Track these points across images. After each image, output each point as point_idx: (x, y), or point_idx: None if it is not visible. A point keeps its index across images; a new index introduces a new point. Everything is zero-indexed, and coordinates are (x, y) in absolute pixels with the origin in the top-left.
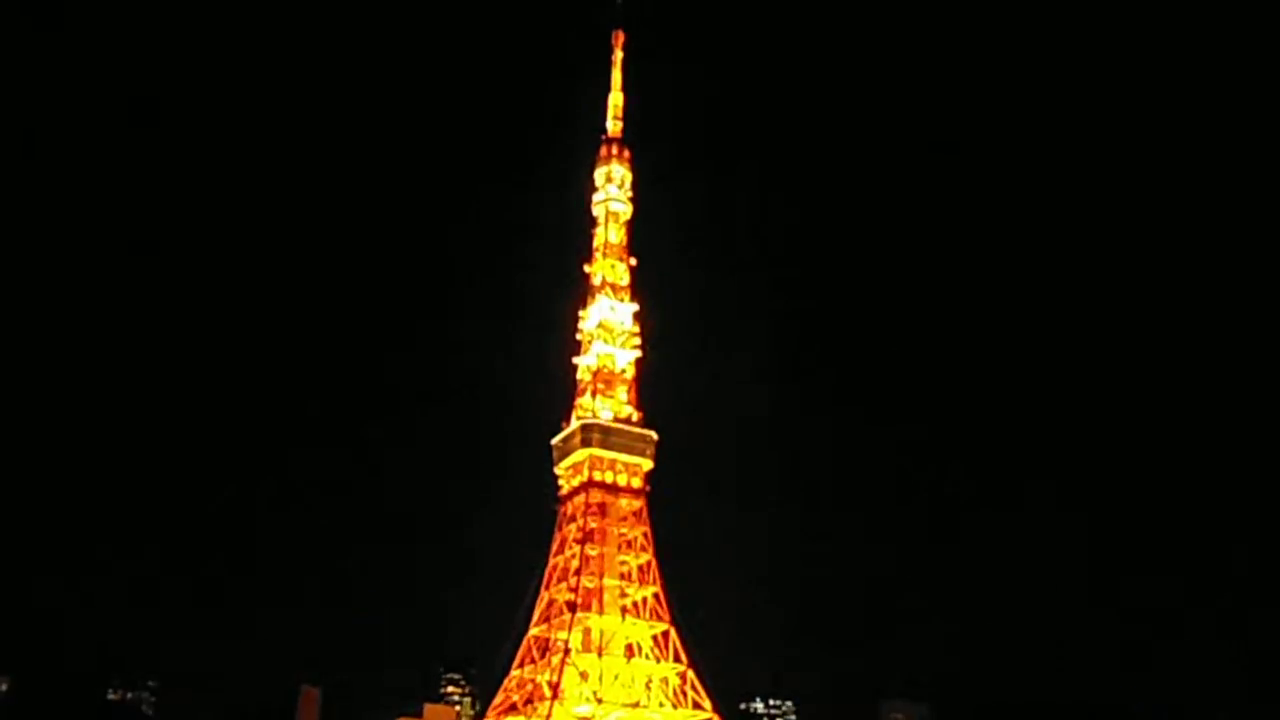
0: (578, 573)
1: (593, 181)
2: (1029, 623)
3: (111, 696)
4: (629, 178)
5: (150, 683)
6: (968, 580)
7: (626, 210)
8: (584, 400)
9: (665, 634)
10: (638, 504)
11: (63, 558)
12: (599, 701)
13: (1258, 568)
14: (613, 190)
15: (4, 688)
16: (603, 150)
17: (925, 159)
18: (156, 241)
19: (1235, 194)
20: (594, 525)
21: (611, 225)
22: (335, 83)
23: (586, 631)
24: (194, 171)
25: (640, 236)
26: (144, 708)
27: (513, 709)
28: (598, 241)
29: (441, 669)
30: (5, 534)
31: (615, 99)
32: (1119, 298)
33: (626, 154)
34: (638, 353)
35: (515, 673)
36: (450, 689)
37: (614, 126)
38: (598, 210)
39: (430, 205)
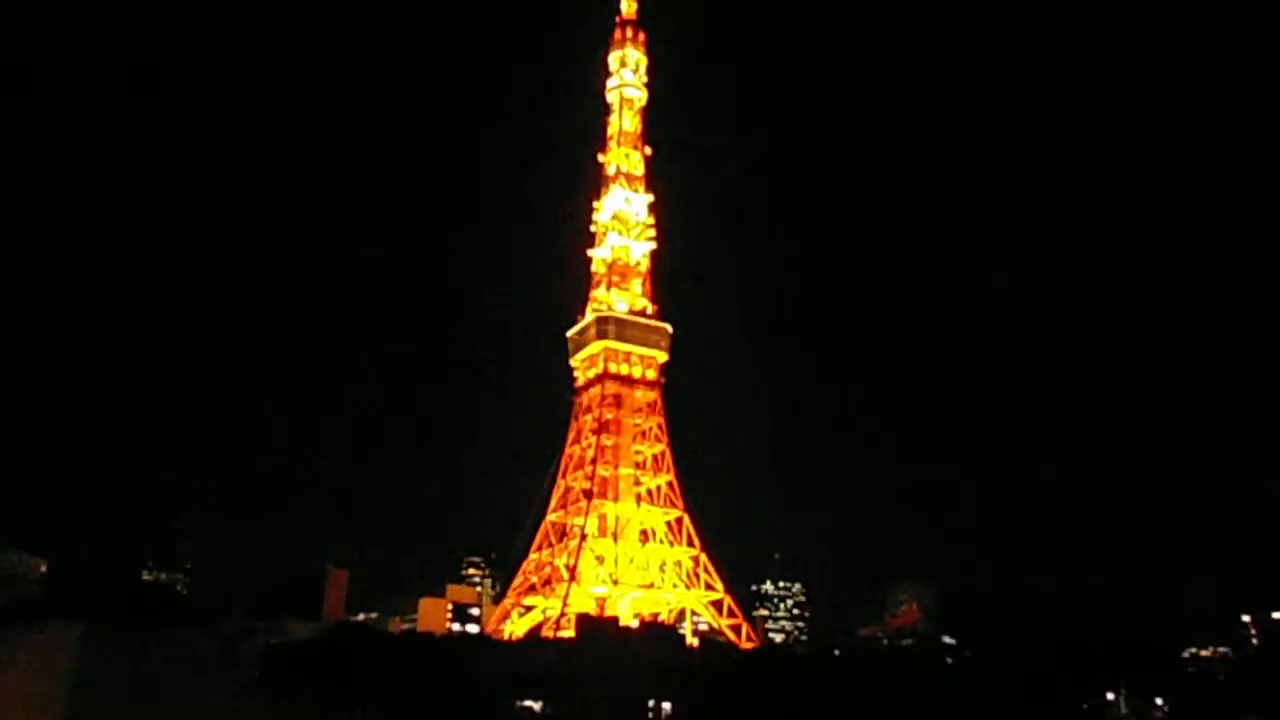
0: (594, 461)
1: (606, 66)
2: (1035, 518)
3: (146, 578)
4: (644, 62)
5: (185, 565)
6: (978, 475)
7: (642, 97)
8: (599, 293)
9: (679, 520)
10: (653, 395)
11: (98, 445)
12: (615, 583)
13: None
14: (627, 75)
15: (43, 569)
16: (616, 33)
17: (937, 65)
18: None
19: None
20: (609, 416)
21: (626, 112)
22: None
23: (602, 517)
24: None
25: (655, 124)
26: (179, 588)
27: (531, 589)
28: (612, 129)
29: (462, 552)
30: (43, 424)
31: None
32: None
33: (642, 37)
34: (653, 245)
35: (534, 556)
36: (471, 570)
37: (628, 7)
38: (611, 96)
39: (439, 91)
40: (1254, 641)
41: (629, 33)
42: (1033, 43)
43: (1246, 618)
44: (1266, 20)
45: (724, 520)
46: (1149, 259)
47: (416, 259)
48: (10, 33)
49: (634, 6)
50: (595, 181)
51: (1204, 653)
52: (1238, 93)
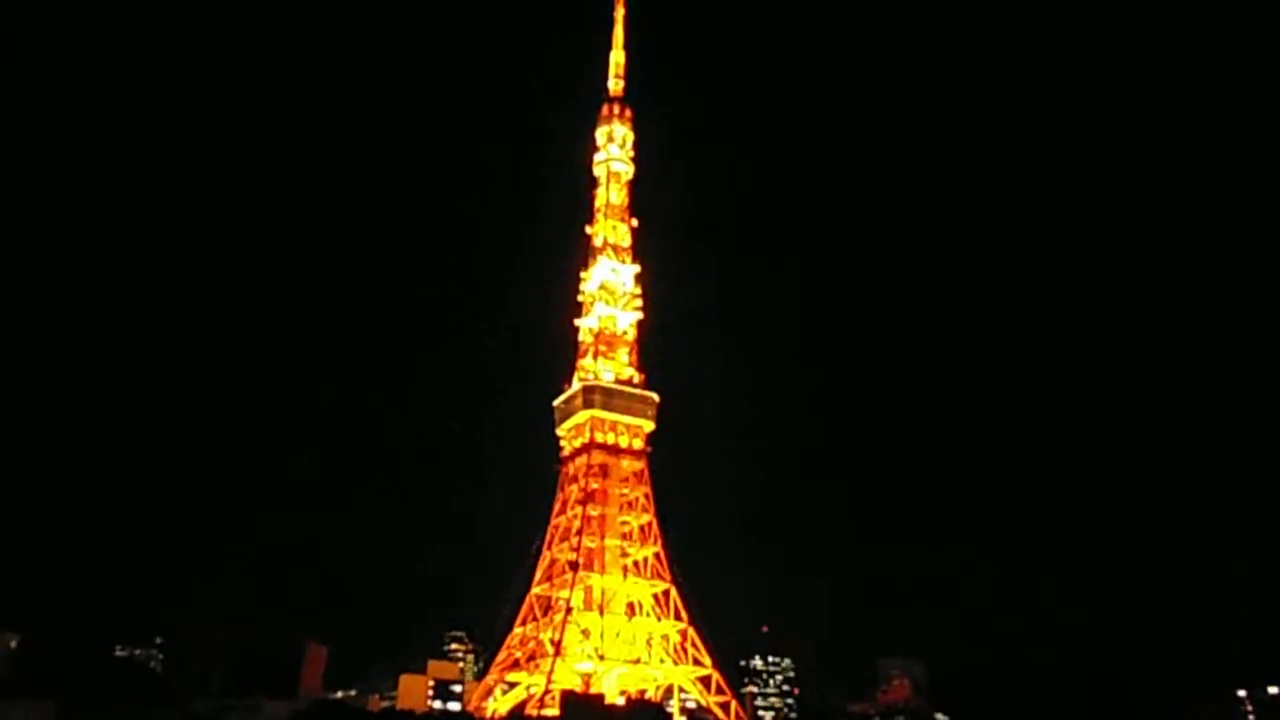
0: (579, 533)
1: (594, 141)
2: (1021, 587)
3: (119, 653)
4: (630, 137)
5: (158, 640)
6: (967, 547)
7: (628, 170)
8: (586, 362)
9: (666, 593)
10: (639, 465)
11: (67, 516)
12: (601, 658)
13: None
14: (614, 150)
15: (13, 645)
16: (604, 109)
17: (931, 120)
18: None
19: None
20: (595, 486)
21: (613, 186)
22: (335, 50)
23: (588, 590)
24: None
25: (642, 198)
26: (152, 665)
27: (515, 665)
28: (599, 202)
29: (444, 627)
30: (8, 494)
31: (617, 57)
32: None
33: (628, 113)
34: (639, 314)
35: (518, 630)
36: (454, 646)
37: (615, 85)
38: (599, 170)
39: (426, 166)
40: (1250, 717)
41: (616, 109)
42: (1026, 54)
43: (1242, 692)
44: (1266, 20)
45: (712, 593)
46: (1146, 301)
47: (396, 326)
48: (10, 33)
49: (621, 84)
50: (583, 252)
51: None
52: (1237, 93)
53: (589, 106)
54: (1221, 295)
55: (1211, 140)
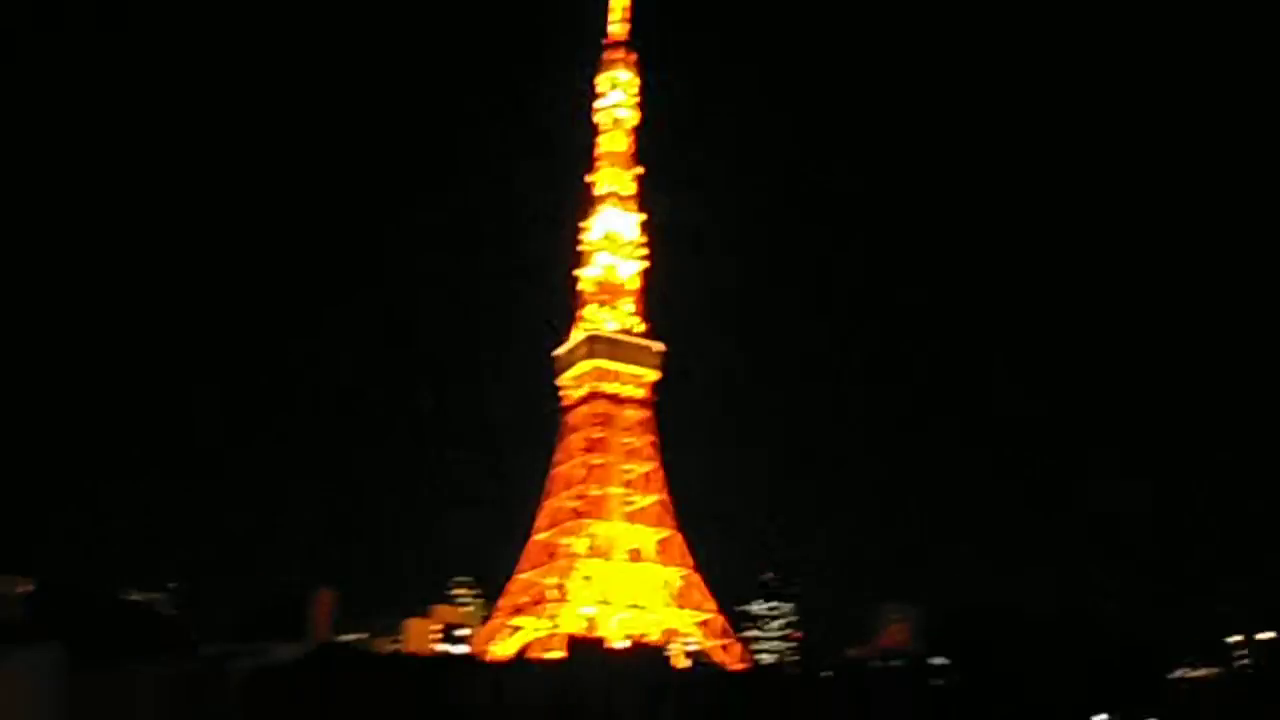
0: (583, 481)
1: (594, 87)
2: (1020, 531)
3: (130, 598)
4: (636, 82)
5: (169, 585)
6: (964, 490)
7: (633, 117)
8: (588, 311)
9: (669, 539)
10: (643, 414)
11: (79, 465)
12: (604, 603)
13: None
14: (617, 96)
15: (19, 589)
16: (606, 54)
17: (929, 65)
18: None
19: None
20: (599, 435)
21: (616, 132)
22: None
23: (592, 537)
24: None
25: (644, 144)
26: (162, 609)
27: (520, 610)
28: (601, 149)
29: (450, 572)
30: (22, 446)
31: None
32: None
33: (633, 58)
34: (644, 263)
35: (522, 576)
36: (459, 591)
37: (619, 29)
38: (601, 117)
39: (422, 111)
40: (1243, 663)
41: (620, 53)
42: (1034, 51)
43: (1235, 638)
44: (1266, 20)
45: (714, 539)
46: (1144, 264)
47: (394, 279)
48: (10, 32)
49: (625, 28)
50: (582, 201)
51: (1193, 674)
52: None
53: (594, 51)
54: (1222, 296)
55: (1208, 136)
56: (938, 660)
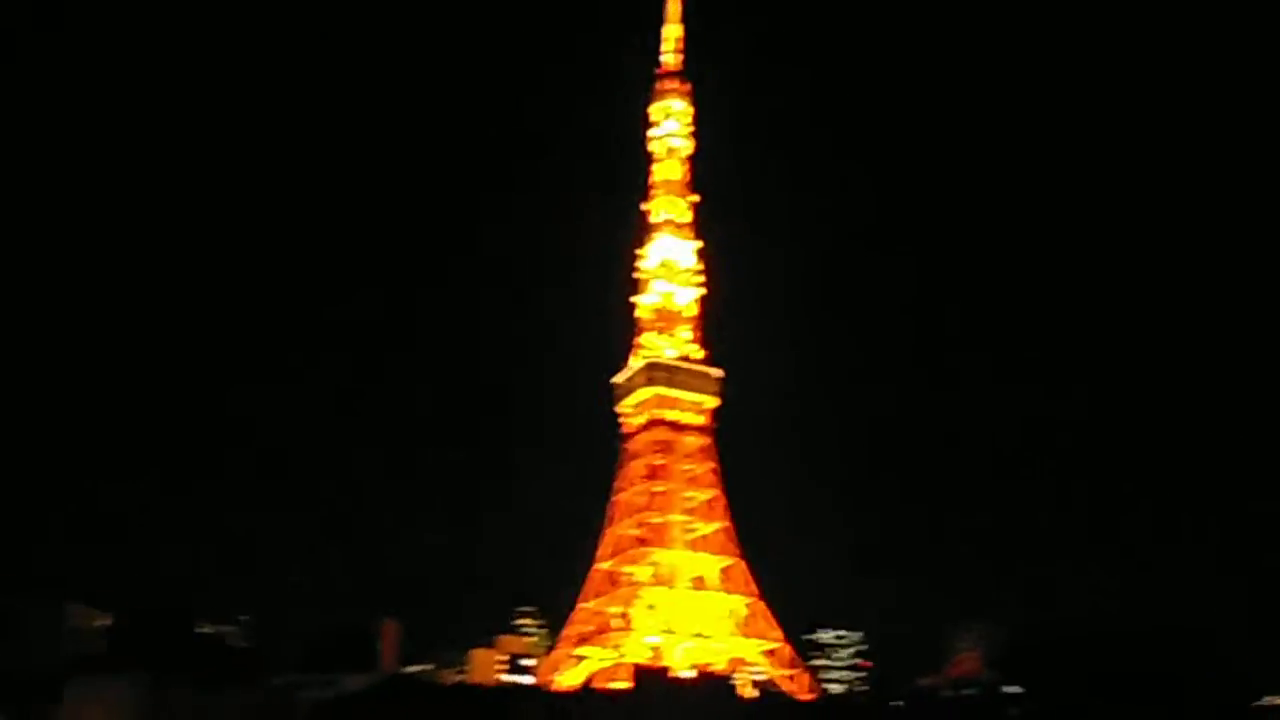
0: (645, 509)
1: (647, 117)
2: (1096, 551)
3: (203, 630)
4: (689, 112)
5: (241, 617)
6: (1036, 512)
7: (687, 145)
8: (646, 339)
9: (733, 567)
10: (703, 441)
11: (149, 497)
12: (668, 632)
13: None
14: (671, 125)
15: (96, 623)
16: (659, 84)
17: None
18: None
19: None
20: (660, 462)
21: (671, 161)
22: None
23: (655, 565)
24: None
25: (699, 172)
26: (233, 641)
27: (584, 640)
28: (656, 178)
29: (514, 603)
30: (89, 477)
31: (673, 30)
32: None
33: (686, 87)
34: (701, 290)
35: (586, 605)
36: (523, 621)
37: (673, 59)
38: (655, 146)
39: (477, 142)
40: None
41: (674, 84)
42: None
43: None
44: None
45: (779, 567)
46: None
47: (452, 307)
48: (11, 33)
49: (679, 58)
50: (638, 229)
51: (1278, 701)
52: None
53: (640, 81)
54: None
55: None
56: (1011, 689)
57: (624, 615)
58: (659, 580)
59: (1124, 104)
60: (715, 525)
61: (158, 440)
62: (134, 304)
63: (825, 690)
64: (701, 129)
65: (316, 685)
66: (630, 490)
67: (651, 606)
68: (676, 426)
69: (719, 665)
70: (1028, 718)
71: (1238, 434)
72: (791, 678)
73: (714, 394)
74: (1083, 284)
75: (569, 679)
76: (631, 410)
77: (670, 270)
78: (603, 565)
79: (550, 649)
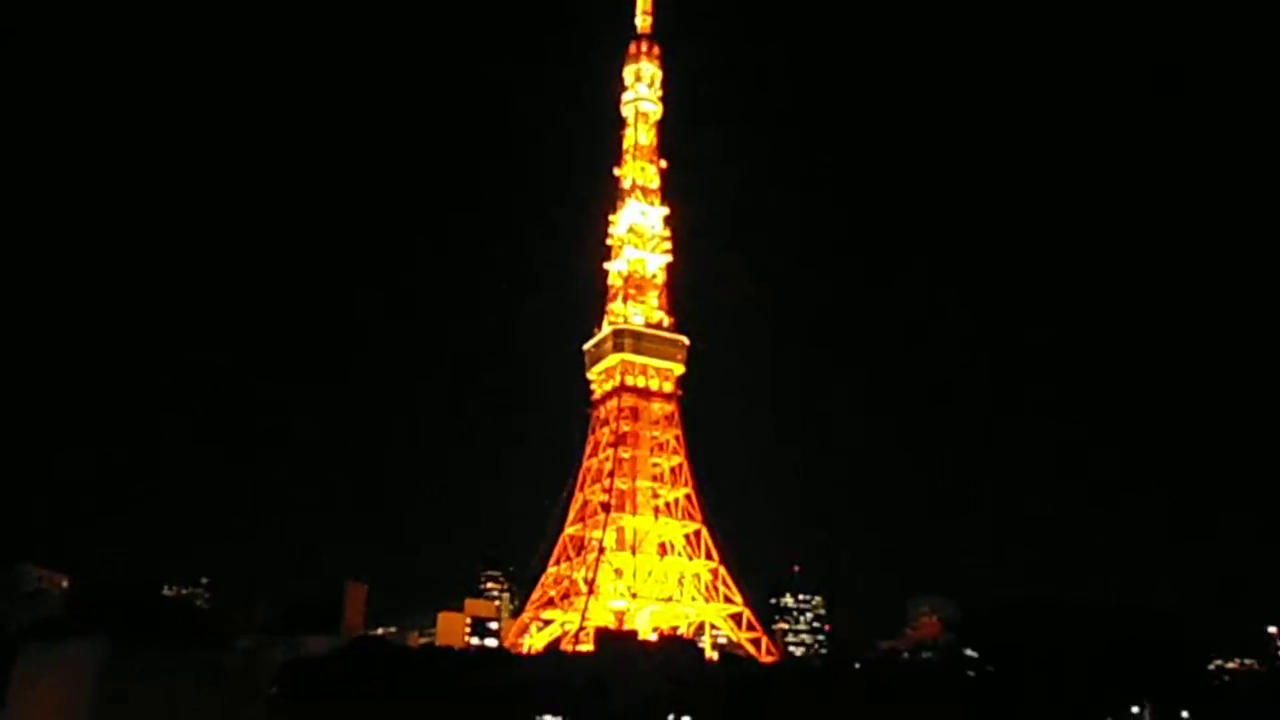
0: (611, 474)
1: (621, 80)
2: (1051, 524)
3: (166, 593)
4: (659, 76)
5: (203, 580)
6: (994, 485)
7: (657, 110)
8: (615, 305)
9: (697, 533)
10: (670, 407)
11: (117, 464)
12: (633, 597)
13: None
14: (642, 89)
15: (65, 585)
16: (631, 47)
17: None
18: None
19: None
20: (626, 429)
21: (641, 126)
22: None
23: (620, 531)
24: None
25: (670, 137)
26: (198, 604)
27: (550, 603)
28: (627, 143)
29: (480, 566)
30: (62, 443)
31: None
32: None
33: (656, 51)
34: (669, 257)
35: (552, 570)
36: (489, 585)
37: (643, 22)
38: (627, 111)
39: (451, 107)
40: (1279, 655)
41: (644, 47)
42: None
43: (1273, 629)
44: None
45: (743, 533)
46: (1158, 260)
47: (429, 273)
48: (11, 33)
49: (649, 21)
50: (611, 195)
51: (1229, 665)
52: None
53: (620, 45)
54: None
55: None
56: (970, 653)
57: (589, 580)
58: (624, 545)
59: (1092, 79)
60: (680, 491)
61: (126, 407)
62: (92, 277)
63: (788, 653)
64: (671, 94)
65: (281, 647)
66: (597, 456)
67: (617, 571)
68: (643, 393)
69: (683, 629)
70: (985, 681)
71: (1196, 410)
72: (754, 641)
73: (681, 361)
74: (1045, 257)
75: (534, 642)
76: (600, 377)
77: (639, 236)
78: (569, 530)
79: (517, 612)
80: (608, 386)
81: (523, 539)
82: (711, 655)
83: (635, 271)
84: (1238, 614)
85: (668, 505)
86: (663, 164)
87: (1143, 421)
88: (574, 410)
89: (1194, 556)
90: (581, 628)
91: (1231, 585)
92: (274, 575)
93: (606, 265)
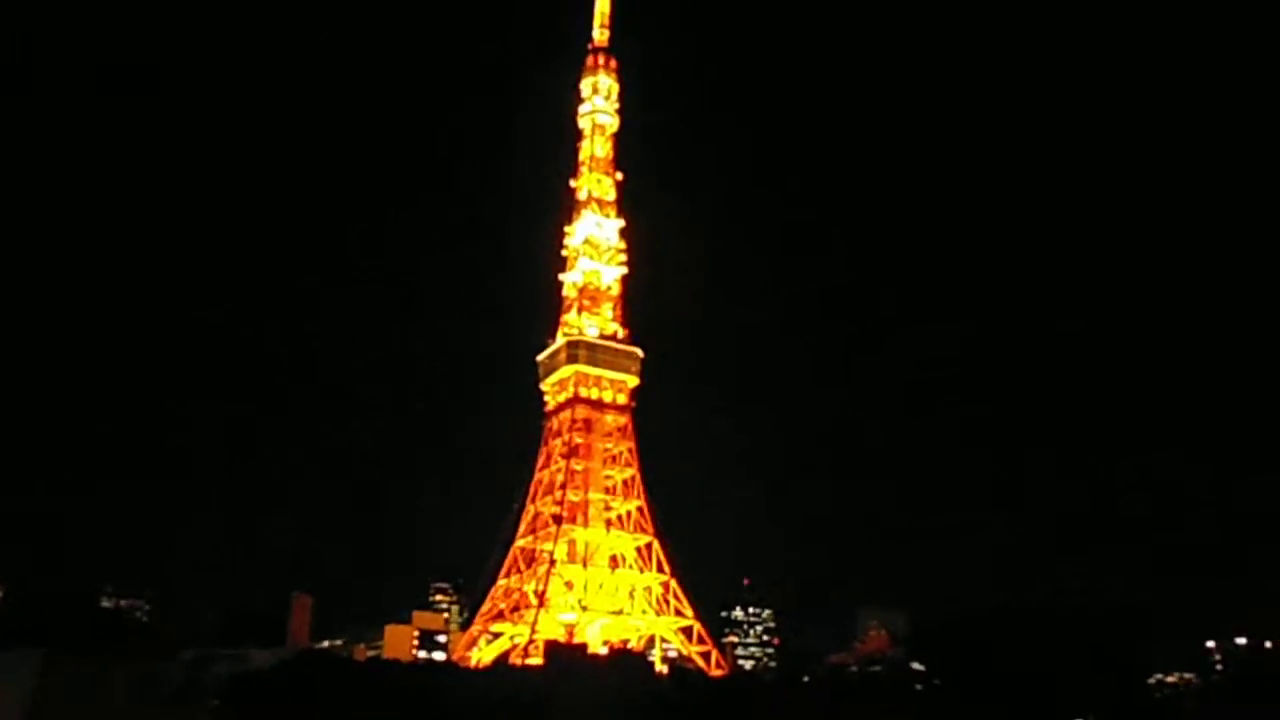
0: (563, 486)
1: (578, 93)
2: (999, 534)
3: (106, 605)
4: (615, 88)
5: (146, 591)
6: (948, 496)
7: (613, 123)
8: (570, 317)
9: (649, 545)
10: (623, 420)
11: (57, 469)
12: (584, 609)
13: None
14: (599, 101)
15: (1, 594)
16: (589, 60)
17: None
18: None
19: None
20: (579, 441)
21: (597, 138)
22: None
23: (571, 543)
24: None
25: (627, 151)
26: (139, 615)
27: (499, 616)
28: (583, 154)
29: (430, 578)
30: None
31: (602, 5)
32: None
33: (613, 64)
34: (624, 269)
35: (502, 582)
36: (439, 597)
37: (600, 35)
38: (583, 122)
39: (412, 116)
40: (1218, 669)
41: (601, 59)
42: (1016, 56)
43: (1211, 643)
44: (1265, 20)
45: (694, 546)
46: (1137, 264)
47: (383, 281)
48: (11, 34)
49: (606, 34)
50: (567, 206)
51: (1169, 679)
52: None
53: (576, 58)
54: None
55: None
56: (917, 665)
57: (539, 592)
58: (575, 558)
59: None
60: (632, 504)
61: (67, 414)
62: (34, 275)
63: (737, 666)
64: (628, 106)
65: (226, 660)
66: (550, 468)
67: (568, 584)
68: (596, 404)
69: (633, 642)
70: (931, 694)
71: (1148, 419)
72: (704, 654)
73: (634, 373)
74: (1000, 258)
75: (483, 655)
76: (554, 388)
77: (594, 248)
78: (520, 542)
79: (466, 625)
80: (561, 398)
81: (473, 551)
82: (661, 669)
83: (590, 283)
84: (1178, 628)
85: (620, 518)
86: (619, 176)
87: (1097, 428)
88: (527, 421)
89: (1130, 568)
90: (531, 641)
91: (1173, 596)
92: (219, 587)
93: (562, 276)
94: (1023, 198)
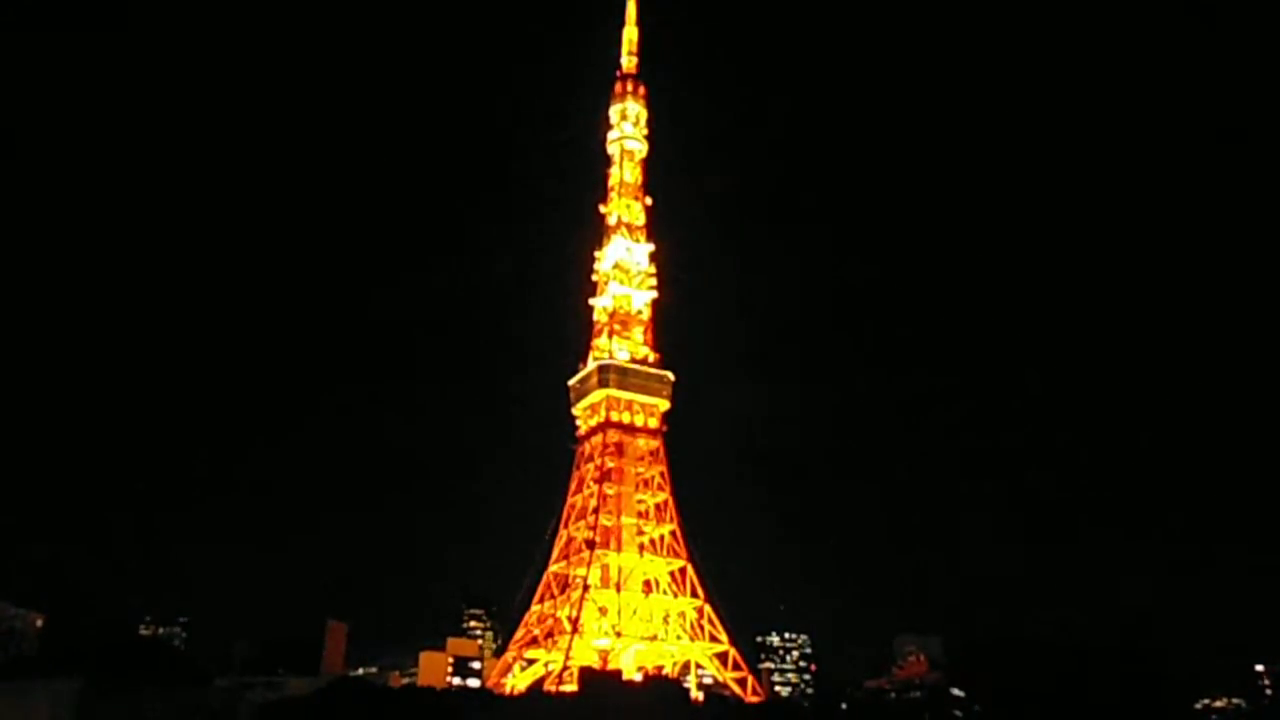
0: (595, 511)
1: (607, 119)
2: (1039, 563)
3: (143, 632)
4: (644, 115)
5: (181, 619)
6: (983, 522)
7: (642, 149)
8: (600, 341)
9: (682, 570)
10: (655, 444)
11: (96, 500)
12: (618, 635)
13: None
14: (627, 128)
15: (39, 624)
16: (617, 87)
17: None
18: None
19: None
20: (611, 465)
21: (626, 164)
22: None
23: (605, 568)
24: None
25: (656, 176)
26: (175, 643)
27: (533, 642)
28: (613, 180)
29: (464, 604)
30: (38, 476)
31: (630, 33)
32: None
33: (642, 90)
34: (654, 293)
35: (535, 608)
36: (473, 624)
37: (629, 62)
38: (612, 148)
39: (442, 145)
40: (1267, 692)
41: (629, 86)
42: (1030, 53)
43: (1260, 667)
44: (1265, 20)
45: (728, 570)
46: (1150, 269)
47: (411, 306)
48: (11, 37)
49: (634, 61)
50: (597, 231)
51: (1217, 703)
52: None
53: (606, 84)
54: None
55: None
56: (956, 691)
57: (573, 618)
58: (608, 583)
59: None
60: (666, 528)
61: (108, 445)
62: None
63: (774, 692)
64: (657, 132)
65: (261, 688)
66: (582, 493)
67: (602, 609)
68: (628, 429)
69: (668, 668)
70: (971, 719)
71: (1185, 445)
72: (740, 680)
73: (665, 396)
74: (1041, 290)
75: (517, 682)
76: (585, 412)
77: (624, 272)
78: (553, 568)
79: (500, 651)
80: (593, 422)
81: (506, 576)
82: (697, 695)
83: (620, 307)
84: (1226, 651)
85: (653, 542)
86: (648, 201)
87: (1132, 457)
88: (558, 446)
89: (1183, 593)
90: (565, 667)
91: (1220, 622)
92: (254, 614)
93: (592, 301)
94: (1052, 215)
